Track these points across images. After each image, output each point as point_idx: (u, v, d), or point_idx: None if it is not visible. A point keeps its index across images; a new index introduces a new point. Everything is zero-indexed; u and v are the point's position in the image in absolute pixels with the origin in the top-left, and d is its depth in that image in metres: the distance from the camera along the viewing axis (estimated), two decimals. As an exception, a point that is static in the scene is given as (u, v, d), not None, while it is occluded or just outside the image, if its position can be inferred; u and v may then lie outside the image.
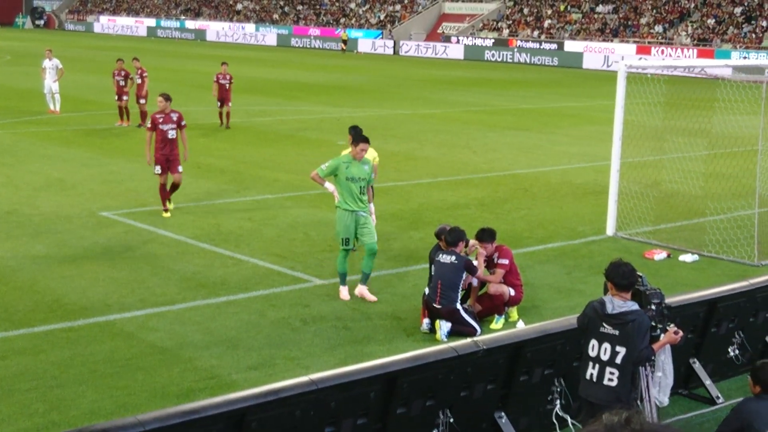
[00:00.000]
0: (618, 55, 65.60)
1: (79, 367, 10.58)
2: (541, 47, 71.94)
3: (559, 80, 55.50)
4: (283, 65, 60.89)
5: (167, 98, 17.85)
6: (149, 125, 17.75)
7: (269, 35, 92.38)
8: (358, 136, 13.05)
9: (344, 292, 13.21)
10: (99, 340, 11.43)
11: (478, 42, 76.88)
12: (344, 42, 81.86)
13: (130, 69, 30.30)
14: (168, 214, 17.61)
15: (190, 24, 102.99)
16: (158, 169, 17.59)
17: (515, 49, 73.11)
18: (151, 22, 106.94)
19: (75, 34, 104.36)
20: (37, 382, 10.15)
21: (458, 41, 77.56)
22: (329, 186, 13.16)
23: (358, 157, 12.89)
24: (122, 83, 29.69)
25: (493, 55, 73.76)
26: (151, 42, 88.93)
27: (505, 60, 72.54)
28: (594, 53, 68.44)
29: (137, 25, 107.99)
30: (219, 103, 29.82)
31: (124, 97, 29.80)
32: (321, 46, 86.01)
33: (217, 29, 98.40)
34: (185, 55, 68.08)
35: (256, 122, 31.80)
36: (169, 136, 17.64)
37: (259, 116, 33.27)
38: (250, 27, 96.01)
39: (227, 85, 29.51)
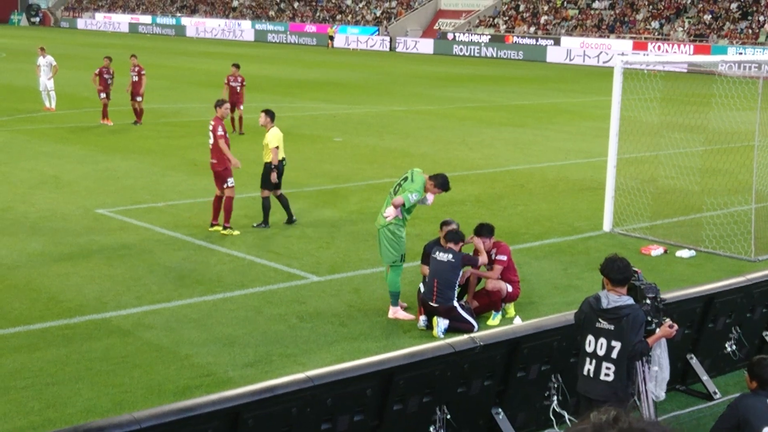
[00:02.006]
0: (582, 50, 66.43)
1: (75, 364, 10.57)
2: (538, 43, 72.07)
3: (554, 76, 55.47)
4: (273, 62, 60.78)
5: None
6: (221, 132, 16.26)
7: (247, 31, 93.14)
8: (446, 185, 12.54)
9: (402, 312, 12.50)
10: (95, 338, 11.41)
11: (450, 37, 78.23)
12: (331, 38, 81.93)
13: (114, 67, 29.99)
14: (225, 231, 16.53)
15: (170, 20, 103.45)
16: (232, 181, 16.39)
17: (482, 44, 74.22)
18: (147, 18, 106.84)
19: (66, 31, 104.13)
20: (33, 379, 10.13)
21: (454, 37, 77.61)
22: (395, 212, 12.39)
23: (429, 192, 12.48)
24: (110, 81, 29.33)
25: (461, 50, 74.92)
26: (147, 39, 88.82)
27: (472, 54, 73.57)
28: (557, 47, 70.05)
29: (118, 21, 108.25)
30: (230, 107, 28.69)
31: (110, 97, 29.37)
32: (297, 41, 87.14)
33: (196, 25, 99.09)
34: (177, 52, 67.97)
35: (252, 119, 31.68)
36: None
37: (255, 113, 33.16)
38: (238, 24, 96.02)
39: (238, 88, 28.11)
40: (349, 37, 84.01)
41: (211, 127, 16.49)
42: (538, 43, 71.73)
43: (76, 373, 10.32)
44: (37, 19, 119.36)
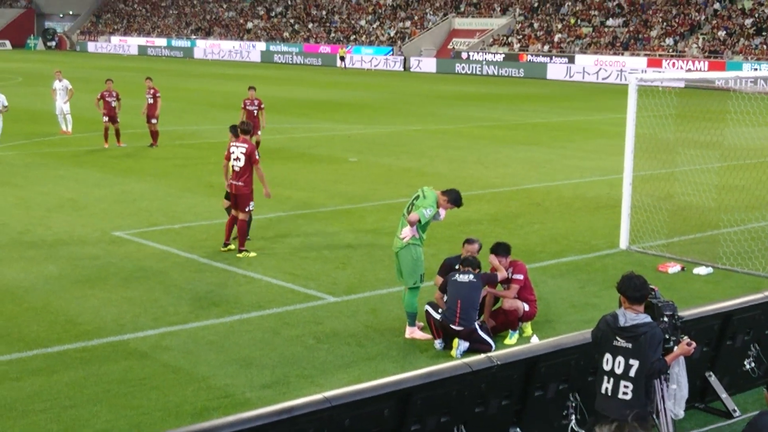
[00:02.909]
0: (579, 67, 66.39)
1: (93, 387, 10.59)
2: (552, 59, 72.18)
3: (566, 94, 55.50)
4: (285, 83, 61.00)
5: None
6: (258, 157, 16.39)
7: (253, 52, 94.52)
8: (459, 201, 12.44)
9: (419, 331, 12.43)
10: (113, 360, 11.44)
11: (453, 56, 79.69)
12: (341, 59, 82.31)
13: (118, 88, 30.12)
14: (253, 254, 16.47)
15: (184, 43, 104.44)
16: (253, 204, 16.54)
17: (483, 62, 75.42)
18: (162, 41, 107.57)
19: (79, 54, 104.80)
20: (51, 402, 10.16)
21: (468, 56, 77.86)
22: (411, 231, 12.31)
23: (441, 207, 12.43)
24: (114, 104, 29.38)
25: (463, 68, 76.11)
26: (161, 61, 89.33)
27: (474, 72, 74.76)
28: (557, 65, 70.82)
29: (128, 44, 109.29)
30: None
31: (118, 120, 29.47)
32: (303, 62, 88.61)
33: (204, 47, 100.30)
34: (188, 74, 68.34)
35: (268, 140, 31.80)
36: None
37: (270, 134, 33.29)
38: (252, 45, 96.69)
39: (256, 111, 27.26)
40: (355, 57, 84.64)
41: (244, 150, 16.15)
42: (552, 61, 71.98)
43: (94, 396, 10.35)
44: (54, 43, 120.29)
